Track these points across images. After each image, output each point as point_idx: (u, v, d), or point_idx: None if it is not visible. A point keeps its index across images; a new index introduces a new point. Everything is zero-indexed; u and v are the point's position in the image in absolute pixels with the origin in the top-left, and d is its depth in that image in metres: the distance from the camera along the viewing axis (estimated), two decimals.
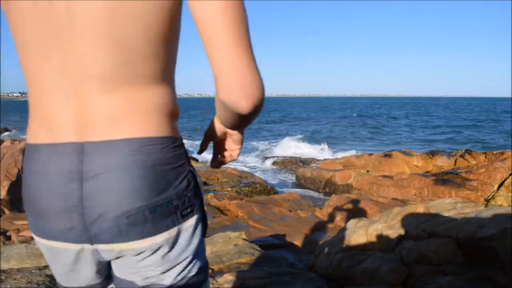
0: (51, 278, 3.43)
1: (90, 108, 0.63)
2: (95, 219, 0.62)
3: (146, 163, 0.62)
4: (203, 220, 0.73)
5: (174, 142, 0.67)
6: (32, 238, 4.58)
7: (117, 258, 0.68)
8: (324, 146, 19.54)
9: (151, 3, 0.61)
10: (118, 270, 0.72)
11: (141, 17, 0.61)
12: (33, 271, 3.56)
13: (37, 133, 0.68)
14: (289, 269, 3.65)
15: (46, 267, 3.71)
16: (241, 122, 0.69)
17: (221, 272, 3.59)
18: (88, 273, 0.73)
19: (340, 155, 16.09)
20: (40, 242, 0.73)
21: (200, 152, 0.85)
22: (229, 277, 3.34)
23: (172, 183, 0.65)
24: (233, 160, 0.87)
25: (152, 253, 0.67)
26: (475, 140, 25.62)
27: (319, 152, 18.60)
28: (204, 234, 0.75)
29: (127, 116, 0.63)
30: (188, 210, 0.69)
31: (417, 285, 3.03)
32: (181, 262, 0.70)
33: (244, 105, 0.62)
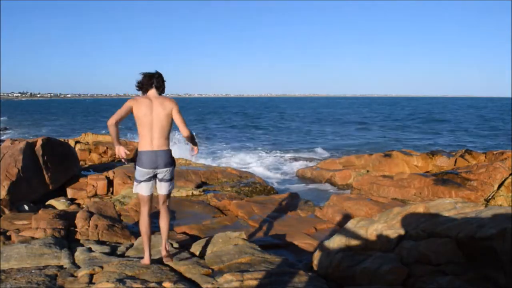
0: (51, 278, 3.44)
1: (159, 142, 3.59)
2: (160, 163, 3.57)
3: (171, 154, 3.64)
4: (174, 166, 3.69)
5: (170, 150, 3.67)
6: (32, 238, 4.58)
7: (159, 174, 3.63)
8: None
9: (170, 116, 3.57)
10: (161, 179, 3.65)
11: (167, 120, 3.55)
12: (33, 271, 3.56)
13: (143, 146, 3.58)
14: (289, 269, 3.65)
15: (46, 267, 3.71)
16: (190, 140, 3.85)
17: (221, 272, 3.59)
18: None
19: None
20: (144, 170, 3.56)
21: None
22: (229, 277, 3.33)
23: (171, 158, 3.64)
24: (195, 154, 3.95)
25: (167, 170, 3.61)
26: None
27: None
28: (174, 167, 3.74)
29: (165, 144, 3.61)
30: (173, 164, 3.67)
31: (417, 285, 3.03)
32: (171, 174, 3.68)
33: (188, 134, 3.75)
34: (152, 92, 3.62)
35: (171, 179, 3.70)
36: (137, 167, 3.58)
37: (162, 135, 3.53)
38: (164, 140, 3.56)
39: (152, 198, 3.70)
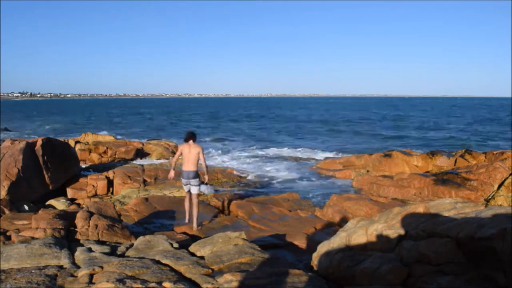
0: (51, 278, 3.43)
1: (194, 163, 6.70)
2: (192, 174, 6.69)
3: (196, 173, 6.69)
4: (198, 178, 6.72)
5: (196, 170, 6.73)
6: (32, 238, 4.59)
7: (190, 182, 6.73)
8: None
9: (197, 154, 6.73)
10: (191, 184, 6.76)
11: (196, 156, 6.72)
12: (33, 271, 3.56)
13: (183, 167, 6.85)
14: (289, 269, 3.65)
15: (46, 267, 3.70)
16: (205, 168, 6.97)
17: (221, 272, 3.59)
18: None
19: None
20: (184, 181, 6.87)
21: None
22: (229, 277, 3.33)
23: (196, 174, 6.66)
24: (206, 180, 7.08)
25: (194, 181, 6.65)
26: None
27: None
28: (199, 179, 6.90)
29: (194, 167, 6.70)
30: (197, 177, 6.68)
31: (417, 285, 3.02)
32: (196, 182, 6.69)
33: (204, 164, 6.88)
34: (190, 141, 6.71)
35: (196, 185, 6.72)
36: (181, 179, 6.78)
37: (192, 163, 6.67)
38: (194, 165, 6.67)
39: (190, 192, 6.81)
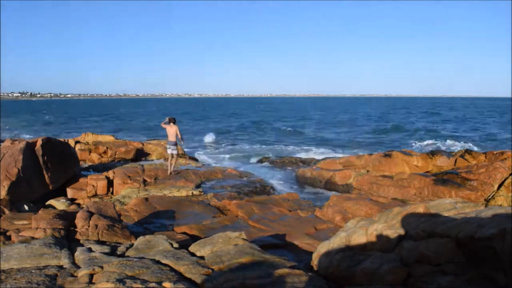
0: (51, 278, 3.44)
1: (173, 136, 11.46)
2: (173, 143, 11.49)
3: (175, 142, 11.39)
4: (176, 145, 11.60)
5: (176, 141, 11.56)
6: (32, 238, 4.59)
7: (172, 148, 11.48)
8: None
9: (176, 131, 11.47)
10: (172, 149, 11.49)
11: (175, 132, 11.42)
12: (33, 271, 3.56)
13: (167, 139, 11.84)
14: (289, 269, 3.65)
15: (46, 267, 3.70)
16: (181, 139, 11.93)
17: (221, 272, 3.59)
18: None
19: None
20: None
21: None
22: (229, 277, 3.34)
23: (176, 143, 11.43)
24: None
25: (174, 147, 11.38)
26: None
27: None
28: (176, 146, 12.03)
29: (174, 139, 11.45)
30: (176, 145, 11.51)
31: (417, 285, 3.02)
32: (176, 148, 11.47)
33: (180, 136, 11.60)
34: (171, 123, 11.16)
35: (175, 150, 11.24)
36: (167, 145, 11.49)
37: (174, 136, 11.13)
38: (175, 138, 11.14)
39: (172, 156, 11.31)
